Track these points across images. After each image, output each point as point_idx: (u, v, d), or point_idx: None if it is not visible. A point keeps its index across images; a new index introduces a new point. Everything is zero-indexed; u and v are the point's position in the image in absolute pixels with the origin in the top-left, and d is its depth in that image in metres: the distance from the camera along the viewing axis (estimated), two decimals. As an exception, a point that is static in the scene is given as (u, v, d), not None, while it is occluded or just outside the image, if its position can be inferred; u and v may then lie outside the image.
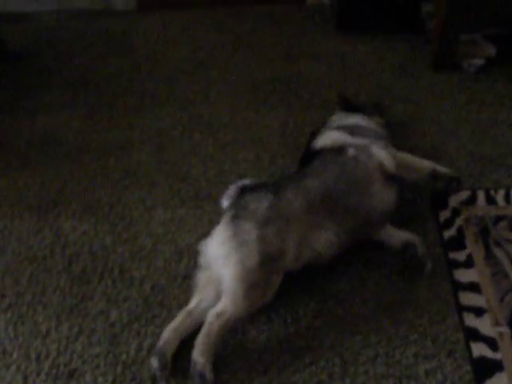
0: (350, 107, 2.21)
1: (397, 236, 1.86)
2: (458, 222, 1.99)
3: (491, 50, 2.78)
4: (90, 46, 2.98)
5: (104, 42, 3.00)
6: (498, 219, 2.01)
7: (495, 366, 1.59)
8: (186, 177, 2.15)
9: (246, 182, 1.86)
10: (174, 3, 3.28)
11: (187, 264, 1.84)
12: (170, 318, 1.69)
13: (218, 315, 1.55)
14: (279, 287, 1.67)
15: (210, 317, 1.55)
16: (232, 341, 1.64)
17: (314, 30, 3.05)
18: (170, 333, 1.59)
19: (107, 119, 2.46)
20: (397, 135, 2.20)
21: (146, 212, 2.03)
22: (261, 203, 1.68)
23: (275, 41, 2.97)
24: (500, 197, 2.09)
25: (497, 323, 1.69)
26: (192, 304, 1.66)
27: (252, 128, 2.38)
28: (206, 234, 1.87)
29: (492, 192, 2.10)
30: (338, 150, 1.87)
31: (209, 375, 1.49)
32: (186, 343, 1.59)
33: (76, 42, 3.01)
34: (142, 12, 3.26)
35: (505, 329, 1.68)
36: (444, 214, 2.02)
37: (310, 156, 1.94)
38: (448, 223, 1.99)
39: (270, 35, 3.02)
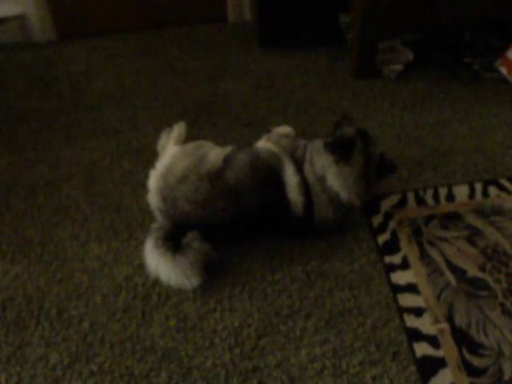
0: None
1: None
2: (391, 225, 2.04)
3: (409, 55, 2.89)
4: (11, 81, 2.89)
5: (26, 76, 2.92)
6: (429, 219, 2.07)
7: (439, 363, 1.63)
8: (119, 207, 2.11)
9: None
10: (95, 31, 3.24)
11: (126, 297, 1.80)
12: (112, 355, 1.65)
13: None
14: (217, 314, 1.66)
15: None
16: (178, 369, 1.61)
17: (238, 49, 3.08)
18: None
19: (34, 155, 2.38)
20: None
21: (80, 248, 1.98)
22: None
23: (200, 62, 2.98)
24: (429, 197, 2.15)
25: (436, 321, 1.74)
26: None
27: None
28: (142, 264, 1.85)
29: (421, 193, 2.17)
30: None
31: None
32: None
33: (-4, 77, 2.92)
34: (64, 42, 3.20)
35: (444, 325, 1.73)
36: (377, 219, 2.06)
37: None
38: (381, 228, 2.03)
39: (195, 56, 3.03)
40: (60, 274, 1.90)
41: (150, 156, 2.28)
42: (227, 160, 1.87)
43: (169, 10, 3.24)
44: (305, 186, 1.86)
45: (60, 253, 1.97)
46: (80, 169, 2.30)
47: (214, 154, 1.90)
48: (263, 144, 2.04)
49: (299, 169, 1.88)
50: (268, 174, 1.86)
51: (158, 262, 1.76)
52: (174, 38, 3.20)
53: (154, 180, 1.89)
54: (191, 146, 1.97)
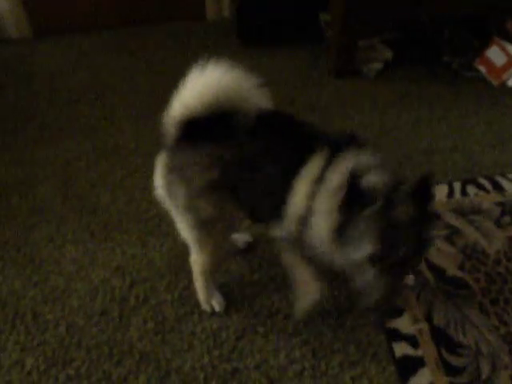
0: None
1: None
2: (371, 225, 2.03)
3: (388, 54, 2.89)
4: (-16, 78, 2.83)
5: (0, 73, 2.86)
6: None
7: (418, 363, 1.63)
8: (95, 208, 2.07)
9: None
10: (71, 28, 3.19)
11: (103, 300, 1.77)
12: (89, 358, 1.62)
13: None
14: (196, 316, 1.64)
15: None
16: (156, 373, 1.59)
17: (216, 45, 3.06)
18: None
19: (8, 155, 2.33)
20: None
21: (55, 250, 1.94)
22: None
23: (177, 59, 2.95)
24: (408, 196, 2.15)
25: (415, 321, 1.74)
26: None
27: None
28: (119, 266, 1.82)
29: (400, 192, 2.16)
30: None
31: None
32: None
33: (-31, 74, 2.86)
34: (39, 39, 3.14)
35: (423, 325, 1.73)
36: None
37: None
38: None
39: (172, 54, 2.99)
40: (35, 277, 1.86)
41: (127, 155, 2.26)
42: None
43: (146, 7, 3.20)
44: None
45: (35, 255, 1.93)
46: (56, 169, 2.26)
47: None
48: None
49: None
50: None
51: None
52: (151, 36, 3.16)
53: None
54: None
